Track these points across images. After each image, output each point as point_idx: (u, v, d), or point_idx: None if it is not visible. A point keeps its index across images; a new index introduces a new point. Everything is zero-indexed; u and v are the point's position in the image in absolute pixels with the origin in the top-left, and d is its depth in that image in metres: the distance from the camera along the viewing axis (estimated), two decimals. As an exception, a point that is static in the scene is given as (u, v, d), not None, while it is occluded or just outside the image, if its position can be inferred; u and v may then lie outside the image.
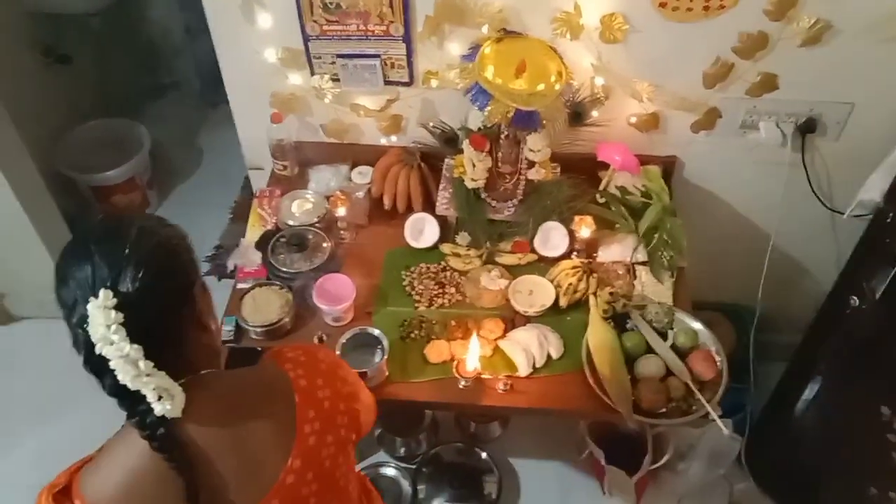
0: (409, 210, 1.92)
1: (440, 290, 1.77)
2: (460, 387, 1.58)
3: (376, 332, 1.63)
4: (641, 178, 1.89)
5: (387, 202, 1.93)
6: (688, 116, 1.87)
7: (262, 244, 1.80)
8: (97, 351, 0.86)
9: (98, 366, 0.87)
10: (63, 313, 0.91)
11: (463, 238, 1.86)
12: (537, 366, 1.62)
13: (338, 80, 1.87)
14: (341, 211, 1.84)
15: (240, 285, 1.75)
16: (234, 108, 2.02)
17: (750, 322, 2.20)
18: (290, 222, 1.86)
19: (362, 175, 2.00)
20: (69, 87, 3.10)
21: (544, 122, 1.68)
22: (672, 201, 1.86)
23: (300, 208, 1.89)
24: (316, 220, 1.87)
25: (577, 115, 1.79)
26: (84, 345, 0.87)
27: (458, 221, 1.87)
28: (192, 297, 0.98)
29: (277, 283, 1.72)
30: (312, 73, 1.87)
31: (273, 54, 1.84)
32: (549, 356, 1.64)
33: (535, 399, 1.59)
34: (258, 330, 1.64)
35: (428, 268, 1.82)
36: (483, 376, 1.60)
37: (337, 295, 1.67)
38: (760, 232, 2.10)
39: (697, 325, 1.66)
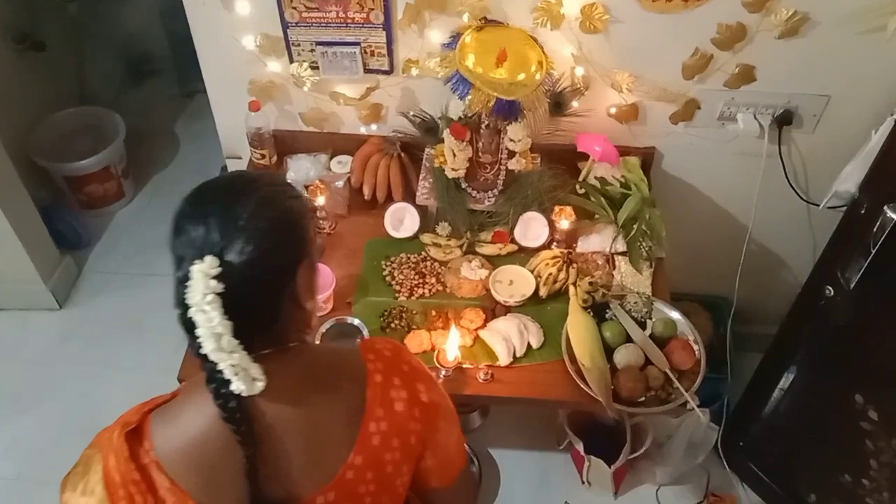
0: (389, 200, 1.92)
1: (420, 280, 1.76)
2: (441, 377, 1.57)
3: (356, 321, 1.62)
4: (621, 168, 1.90)
5: (366, 192, 1.92)
6: (667, 107, 1.88)
7: (240, 233, 1.78)
8: (189, 314, 0.85)
9: (188, 326, 0.86)
10: (172, 262, 0.91)
11: (443, 228, 1.85)
12: (517, 355, 1.62)
13: (317, 67, 1.85)
14: (321, 200, 1.83)
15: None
16: (212, 96, 2.00)
17: (727, 313, 2.22)
18: (269, 211, 1.84)
19: (342, 164, 1.99)
20: (44, 75, 3.05)
21: (525, 111, 1.68)
22: (651, 192, 1.87)
23: (279, 197, 1.87)
24: (295, 209, 1.85)
25: (558, 106, 1.79)
26: (179, 303, 0.87)
27: (438, 211, 1.87)
28: (296, 274, 0.95)
29: (256, 272, 1.70)
30: (291, 61, 1.85)
31: (251, 41, 1.82)
32: (529, 346, 1.64)
33: (515, 388, 1.59)
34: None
35: (408, 258, 1.81)
36: (464, 366, 1.60)
37: (318, 285, 1.66)
38: (738, 223, 2.12)
39: (676, 315, 1.67)
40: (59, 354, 2.63)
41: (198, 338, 0.85)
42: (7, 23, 2.82)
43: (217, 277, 0.85)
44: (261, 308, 0.91)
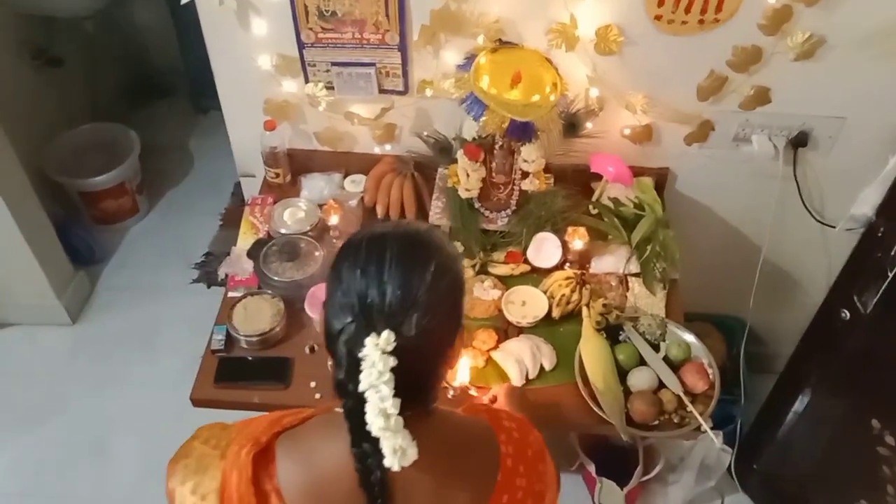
0: (402, 219, 1.91)
1: (433, 300, 1.76)
2: (449, 396, 1.57)
3: (369, 341, 1.61)
4: (634, 189, 1.89)
5: (380, 211, 1.93)
6: (681, 129, 1.88)
7: (253, 253, 1.79)
8: (360, 389, 0.83)
9: (353, 399, 0.84)
10: (328, 310, 0.90)
11: (455, 247, 1.85)
12: (530, 377, 1.61)
13: (332, 87, 1.86)
14: (334, 219, 1.84)
15: (231, 294, 1.73)
16: (227, 115, 2.01)
17: (741, 334, 2.21)
18: (283, 230, 1.85)
19: (355, 184, 1.99)
20: (59, 91, 3.08)
21: (539, 132, 1.69)
22: (665, 213, 1.86)
23: (292, 216, 1.88)
24: (308, 228, 1.85)
25: (572, 127, 1.79)
26: (347, 373, 0.85)
27: (451, 231, 1.86)
28: (455, 341, 0.95)
29: (269, 291, 1.71)
30: (307, 81, 1.86)
31: (267, 61, 1.83)
32: (541, 367, 1.63)
33: (527, 411, 1.57)
34: (249, 339, 1.62)
35: (421, 278, 1.81)
36: (470, 391, 1.59)
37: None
38: (752, 244, 2.11)
39: (690, 338, 1.66)
40: (70, 370, 2.63)
41: (361, 409, 0.83)
42: (24, 39, 2.85)
43: (393, 353, 0.83)
44: (424, 378, 0.91)
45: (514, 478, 0.98)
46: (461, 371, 1.55)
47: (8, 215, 2.37)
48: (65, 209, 2.96)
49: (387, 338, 0.83)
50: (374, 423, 0.82)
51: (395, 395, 0.82)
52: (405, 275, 0.88)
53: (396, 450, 0.82)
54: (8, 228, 2.41)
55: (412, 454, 0.83)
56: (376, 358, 0.82)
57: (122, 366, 2.62)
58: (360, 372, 0.83)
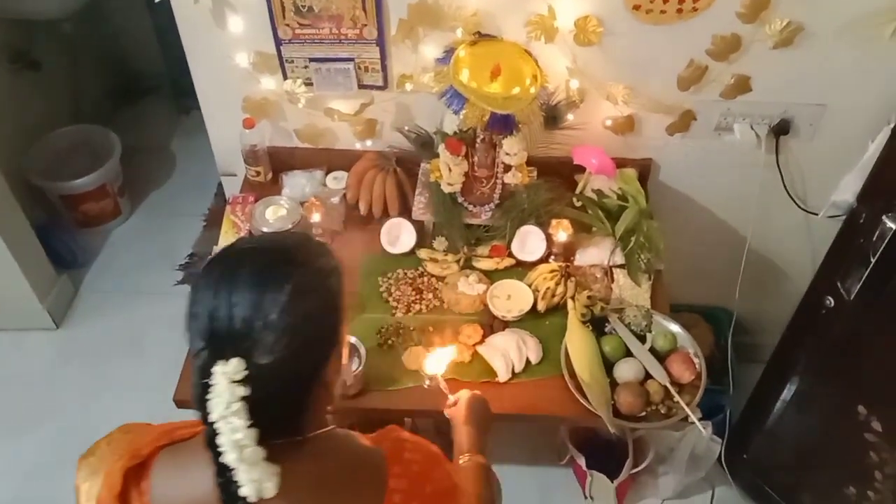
0: (385, 215, 1.90)
1: (418, 296, 1.75)
2: (425, 386, 1.53)
3: (353, 339, 1.60)
4: (617, 180, 1.89)
5: (362, 208, 1.91)
6: (663, 119, 1.87)
7: (235, 251, 1.77)
8: (210, 419, 0.79)
9: (209, 428, 0.80)
10: (187, 337, 0.85)
11: (440, 243, 1.84)
12: (516, 371, 1.61)
13: (311, 84, 1.84)
14: (316, 217, 1.82)
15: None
16: (206, 114, 1.99)
17: (728, 324, 2.21)
18: (264, 229, 1.83)
19: (337, 180, 1.98)
20: (39, 94, 3.05)
21: (520, 125, 1.67)
22: (648, 204, 1.86)
23: (274, 214, 1.86)
24: (290, 226, 1.83)
25: (553, 119, 1.78)
26: (198, 401, 0.81)
27: (434, 226, 1.85)
28: (329, 361, 0.89)
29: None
30: (285, 78, 1.84)
31: (245, 59, 1.82)
32: (528, 361, 1.62)
33: (514, 405, 1.57)
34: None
35: (405, 273, 1.80)
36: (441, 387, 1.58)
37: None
38: (736, 234, 2.11)
39: (675, 328, 1.65)
40: (55, 375, 2.61)
41: (218, 446, 0.79)
42: (2, 42, 2.82)
43: (243, 381, 0.79)
44: (288, 405, 0.85)
45: None
46: (436, 363, 1.52)
47: (-12, 220, 2.35)
48: (46, 213, 2.93)
49: (235, 366, 0.79)
50: (228, 455, 0.79)
51: (256, 425, 0.79)
52: (256, 296, 0.82)
53: (253, 481, 0.79)
54: (-12, 234, 2.38)
55: (270, 488, 0.80)
56: (223, 387, 0.78)
57: (107, 369, 2.60)
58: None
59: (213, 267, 0.86)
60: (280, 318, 0.81)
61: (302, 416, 0.87)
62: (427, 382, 1.54)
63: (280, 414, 0.84)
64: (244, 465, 0.79)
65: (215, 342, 0.82)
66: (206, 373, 0.80)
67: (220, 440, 0.79)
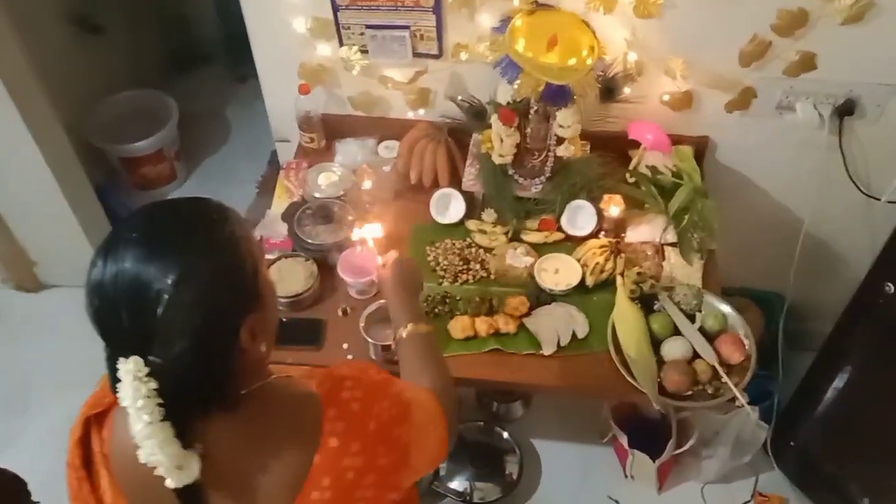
0: (435, 185, 1.90)
1: (465, 267, 1.75)
2: (357, 252, 1.55)
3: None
4: (673, 157, 1.85)
5: (413, 177, 1.92)
6: (722, 95, 1.83)
7: (288, 216, 1.80)
8: (121, 403, 0.78)
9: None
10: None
11: (489, 215, 1.84)
12: (562, 344, 1.60)
13: (366, 51, 1.85)
14: (367, 185, 1.84)
15: (266, 256, 1.75)
16: (263, 79, 2.02)
17: (779, 309, 2.16)
18: (316, 195, 1.85)
19: (389, 149, 1.99)
20: (101, 58, 3.11)
21: (575, 97, 1.65)
22: (703, 182, 1.82)
23: (326, 181, 1.88)
24: (342, 192, 1.86)
25: (609, 92, 1.75)
26: (113, 387, 0.80)
27: (484, 198, 1.85)
28: (240, 335, 0.84)
29: (302, 254, 1.72)
30: (341, 44, 1.85)
31: (302, 24, 1.83)
32: (574, 335, 1.62)
33: (558, 378, 1.57)
34: (282, 300, 1.64)
35: (453, 244, 1.80)
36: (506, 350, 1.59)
37: (362, 268, 1.67)
38: (793, 216, 2.05)
39: (726, 309, 1.63)
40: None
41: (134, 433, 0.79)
42: (67, 6, 2.89)
43: (148, 375, 0.77)
44: (205, 383, 0.82)
45: (342, 458, 0.89)
46: (365, 232, 1.50)
47: (52, 180, 2.42)
48: (106, 175, 3.02)
49: (135, 363, 0.77)
50: (143, 447, 0.78)
51: (176, 406, 0.78)
52: (140, 294, 0.77)
53: (171, 471, 0.79)
54: (52, 193, 2.46)
55: (194, 470, 0.80)
56: (128, 384, 0.76)
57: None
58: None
59: (96, 261, 0.81)
60: (171, 310, 0.77)
61: (225, 386, 0.84)
62: (358, 248, 1.57)
63: (198, 391, 0.82)
64: (159, 456, 0.78)
65: (111, 340, 0.81)
66: (112, 367, 0.80)
67: (134, 430, 0.78)
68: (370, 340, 1.55)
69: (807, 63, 1.72)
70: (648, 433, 2.14)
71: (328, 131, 2.02)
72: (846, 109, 1.79)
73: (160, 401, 0.78)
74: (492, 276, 1.74)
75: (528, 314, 1.66)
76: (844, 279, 2.18)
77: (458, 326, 1.62)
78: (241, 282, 0.85)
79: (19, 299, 2.81)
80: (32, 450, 2.37)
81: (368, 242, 1.49)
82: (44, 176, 2.40)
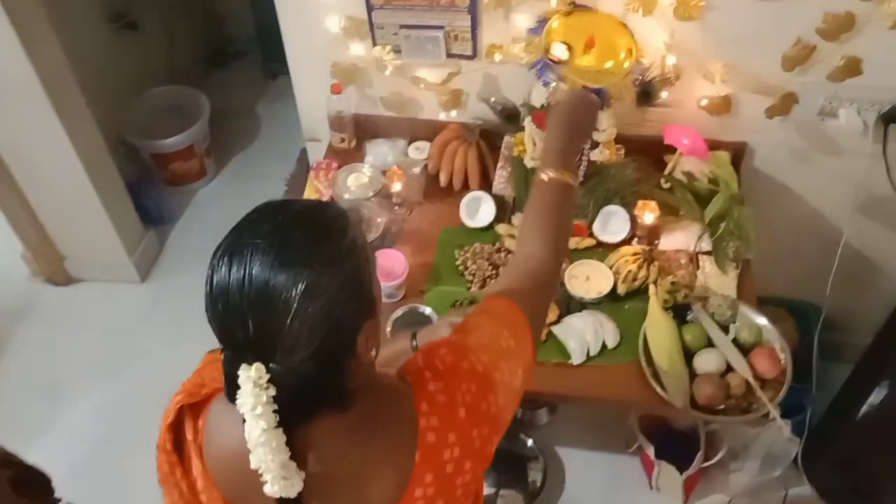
0: (466, 188, 1.88)
1: (494, 272, 1.73)
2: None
3: (428, 310, 1.60)
4: (709, 163, 1.81)
5: (443, 179, 1.90)
6: (762, 101, 1.78)
7: (316, 216, 1.78)
8: (241, 412, 0.79)
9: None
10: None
11: (519, 219, 1.81)
12: (591, 354, 1.57)
13: (400, 51, 1.83)
14: (397, 186, 1.82)
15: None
16: (295, 78, 2.01)
17: (815, 320, 2.10)
18: (346, 195, 1.84)
19: (419, 150, 1.97)
20: (136, 54, 3.14)
21: (611, 100, 1.62)
22: (741, 190, 1.78)
23: (356, 182, 1.87)
24: (371, 194, 1.84)
25: (646, 95, 1.72)
26: (229, 393, 0.81)
27: (514, 202, 1.82)
28: (356, 343, 0.85)
29: (330, 255, 1.71)
30: (374, 44, 1.83)
31: (336, 23, 1.81)
32: (604, 344, 1.59)
33: (587, 388, 1.54)
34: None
35: (482, 248, 1.78)
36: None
37: (390, 270, 1.65)
38: (832, 226, 2.00)
39: (762, 321, 1.59)
40: (140, 326, 2.72)
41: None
42: (103, 2, 2.91)
43: (268, 382, 0.78)
44: (321, 389, 0.83)
45: (441, 450, 0.89)
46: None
47: (84, 175, 2.44)
48: (137, 170, 3.04)
49: (256, 370, 0.77)
50: (254, 453, 0.79)
51: (291, 411, 0.79)
52: (266, 303, 0.78)
53: (276, 480, 0.79)
54: (84, 188, 2.48)
55: (298, 484, 0.81)
56: (248, 391, 0.77)
57: (188, 323, 2.65)
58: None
59: (219, 265, 0.81)
60: (298, 320, 0.78)
61: (339, 392, 0.85)
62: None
63: (314, 398, 0.82)
64: (269, 464, 0.79)
65: (234, 348, 0.81)
66: (232, 372, 0.80)
67: (247, 436, 0.79)
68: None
69: (852, 68, 1.67)
70: (676, 444, 2.10)
71: (359, 131, 2.01)
72: (892, 117, 1.74)
73: (276, 407, 0.78)
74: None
75: (557, 321, 1.63)
76: (883, 291, 2.12)
77: (487, 332, 1.59)
78: (361, 289, 0.85)
79: (49, 292, 2.84)
80: (61, 440, 2.41)
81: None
82: (76, 170, 2.42)
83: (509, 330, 1.00)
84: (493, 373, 0.95)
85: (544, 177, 1.14)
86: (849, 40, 1.62)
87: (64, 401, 2.52)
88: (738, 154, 1.88)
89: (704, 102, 1.80)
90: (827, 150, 1.85)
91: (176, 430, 0.95)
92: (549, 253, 1.10)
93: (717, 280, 1.69)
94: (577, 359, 1.56)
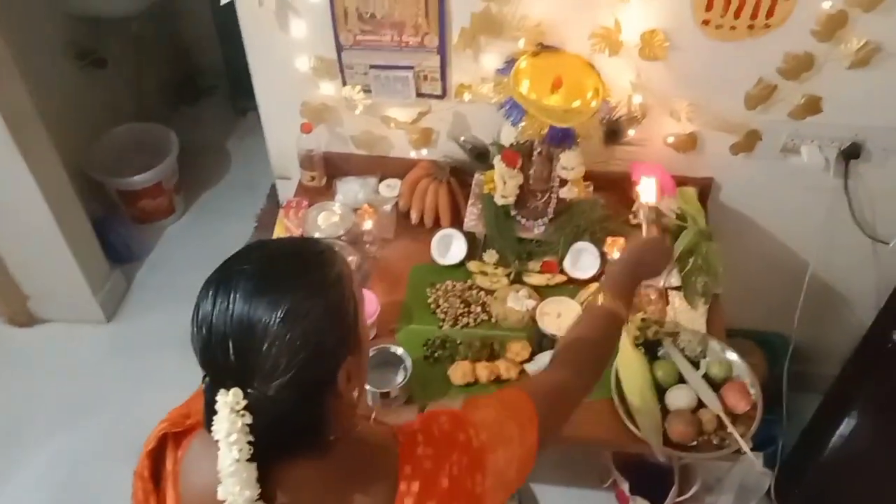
0: (437, 225, 1.88)
1: (466, 309, 1.72)
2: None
3: (399, 350, 1.58)
4: (677, 199, 1.84)
5: (414, 216, 1.90)
6: (727, 138, 1.82)
7: (286, 255, 1.77)
8: (215, 437, 0.78)
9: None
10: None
11: (490, 256, 1.81)
12: (564, 391, 1.56)
13: (370, 91, 1.84)
14: (368, 224, 1.81)
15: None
16: (264, 117, 2.00)
17: (783, 352, 2.13)
18: (316, 234, 1.83)
19: (390, 188, 1.97)
20: (103, 91, 3.12)
21: (579, 139, 1.64)
22: (708, 225, 1.80)
23: (327, 220, 1.86)
24: (342, 233, 1.83)
25: (613, 134, 1.74)
26: (207, 420, 0.80)
27: (486, 239, 1.83)
28: (338, 376, 0.84)
29: (300, 295, 1.69)
30: (344, 84, 1.84)
31: (305, 63, 1.82)
32: (576, 382, 1.58)
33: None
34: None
35: (454, 285, 1.77)
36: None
37: (361, 310, 1.63)
38: (798, 260, 2.03)
39: (732, 357, 1.59)
40: (105, 368, 2.65)
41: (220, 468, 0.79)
42: (70, 39, 2.89)
43: (244, 409, 0.77)
44: (298, 425, 0.82)
45: None
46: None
47: (48, 213, 2.40)
48: (103, 207, 3.00)
49: (234, 395, 0.76)
50: (224, 483, 0.78)
51: (265, 445, 0.78)
52: (249, 324, 0.78)
53: None
54: (48, 226, 2.44)
55: None
56: (224, 416, 0.76)
57: (157, 365, 2.63)
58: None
59: (207, 291, 0.82)
60: (276, 345, 0.78)
61: (317, 429, 0.84)
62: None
63: (290, 432, 0.81)
64: (237, 497, 0.78)
65: (214, 371, 0.81)
66: (210, 397, 0.79)
67: (220, 464, 0.78)
68: (368, 387, 1.51)
69: (812, 106, 1.71)
70: (650, 478, 2.09)
71: (329, 169, 2.00)
72: (852, 153, 1.78)
73: (252, 438, 0.77)
74: (493, 320, 1.71)
75: (529, 359, 1.62)
76: (850, 322, 2.16)
77: (459, 372, 1.58)
78: (344, 321, 0.85)
79: (12, 333, 2.77)
80: (22, 487, 2.33)
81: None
82: (39, 208, 2.38)
83: (517, 421, 0.99)
84: (487, 453, 0.94)
85: (600, 301, 1.19)
86: (808, 80, 1.66)
87: (27, 446, 2.44)
88: (705, 190, 1.91)
89: (671, 140, 1.83)
90: (791, 186, 1.89)
91: (156, 458, 0.94)
92: (589, 373, 1.14)
93: (687, 315, 1.70)
94: (550, 397, 1.56)
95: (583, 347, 1.16)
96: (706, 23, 1.60)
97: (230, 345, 0.78)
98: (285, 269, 0.83)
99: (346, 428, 0.88)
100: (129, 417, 2.47)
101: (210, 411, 0.79)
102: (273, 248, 0.88)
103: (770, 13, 1.56)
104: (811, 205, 1.89)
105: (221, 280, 0.82)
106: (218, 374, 0.80)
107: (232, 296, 0.80)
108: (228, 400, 0.77)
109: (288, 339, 0.78)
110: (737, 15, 1.58)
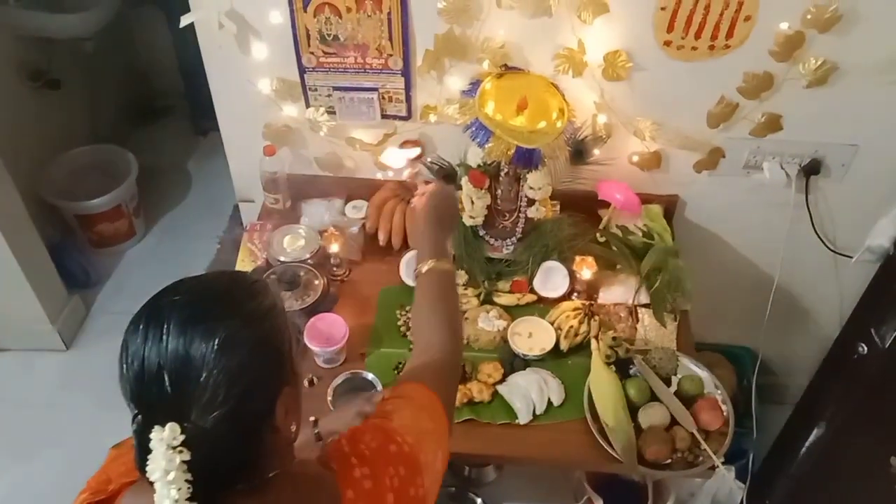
0: (405, 246, 1.86)
1: (436, 331, 1.70)
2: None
3: (370, 376, 1.56)
4: (643, 217, 1.85)
5: (382, 238, 1.88)
6: (691, 156, 1.84)
7: (251, 281, 1.73)
8: (150, 480, 0.74)
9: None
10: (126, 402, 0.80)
11: (460, 276, 1.80)
12: (538, 413, 1.56)
13: (333, 112, 1.82)
14: (335, 247, 1.79)
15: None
16: (226, 140, 1.97)
17: (751, 364, 2.16)
18: (282, 258, 1.80)
19: (357, 209, 1.95)
20: (58, 113, 3.04)
21: (545, 159, 1.64)
22: (674, 241, 1.82)
23: (292, 244, 1.83)
24: (308, 256, 1.80)
25: (579, 154, 1.75)
26: (139, 463, 0.76)
27: (455, 259, 1.81)
28: (275, 408, 0.83)
29: (267, 322, 1.65)
30: (307, 106, 1.82)
31: (267, 85, 1.79)
32: (549, 402, 1.57)
33: (535, 449, 1.52)
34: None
35: (423, 307, 1.75)
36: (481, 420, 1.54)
37: (329, 335, 1.61)
38: (764, 274, 2.06)
39: (703, 373, 1.60)
40: (64, 398, 2.57)
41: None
42: (23, 61, 2.82)
43: (181, 445, 0.74)
44: (236, 459, 0.79)
45: None
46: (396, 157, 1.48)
47: (1, 240, 2.33)
48: (61, 232, 2.92)
49: (170, 430, 0.73)
50: None
51: (204, 482, 0.74)
52: (183, 356, 0.76)
53: None
54: (2, 253, 2.36)
55: None
56: (160, 454, 0.73)
57: (117, 393, 2.54)
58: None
59: (137, 325, 0.80)
60: (209, 377, 0.76)
61: (256, 465, 0.82)
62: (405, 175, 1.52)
63: (228, 468, 0.78)
64: None
65: (147, 407, 0.78)
66: (143, 437, 0.75)
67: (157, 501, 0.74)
68: (339, 414, 1.48)
69: (773, 124, 1.74)
70: (624, 495, 2.09)
71: (293, 191, 1.97)
72: (812, 169, 1.81)
73: (190, 476, 0.74)
74: (464, 342, 1.69)
75: (501, 381, 1.61)
76: (816, 335, 2.19)
77: (431, 396, 1.56)
78: (281, 352, 0.85)
79: (-35, 364, 2.67)
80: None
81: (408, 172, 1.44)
82: (-7, 236, 2.31)
83: (427, 412, 1.00)
84: (419, 454, 0.94)
85: (424, 268, 1.18)
86: (769, 98, 1.69)
87: (-17, 481, 2.35)
88: (671, 207, 1.93)
89: (635, 158, 1.84)
90: (754, 201, 1.91)
91: None
92: (447, 336, 1.12)
93: (657, 332, 1.71)
94: (523, 418, 1.54)
95: (431, 317, 1.15)
96: (668, 44, 1.62)
97: (165, 377, 0.76)
98: (218, 300, 0.82)
99: (284, 464, 0.86)
100: (90, 448, 2.38)
101: (143, 452, 0.75)
102: (204, 281, 0.87)
103: (730, 34, 1.58)
104: (774, 220, 1.92)
105: (151, 314, 0.80)
106: (151, 410, 0.77)
107: (165, 327, 0.78)
108: (165, 436, 0.73)
109: (225, 369, 0.77)
110: (697, 36, 1.60)
